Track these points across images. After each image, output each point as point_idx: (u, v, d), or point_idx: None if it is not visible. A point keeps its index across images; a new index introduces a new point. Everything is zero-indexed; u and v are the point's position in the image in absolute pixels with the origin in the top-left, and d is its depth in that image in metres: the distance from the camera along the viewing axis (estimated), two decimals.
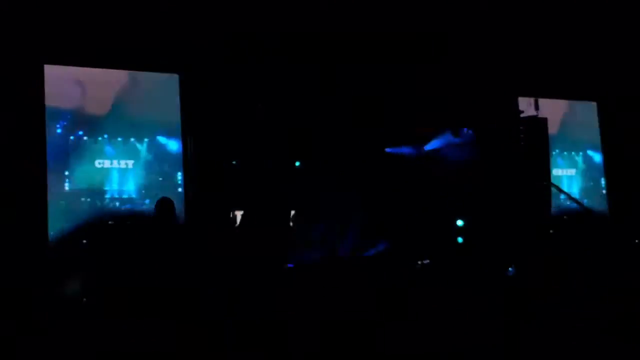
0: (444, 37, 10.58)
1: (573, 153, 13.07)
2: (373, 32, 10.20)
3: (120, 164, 9.91)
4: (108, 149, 9.84)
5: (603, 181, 13.24)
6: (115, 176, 9.85)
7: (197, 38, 9.62)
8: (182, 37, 9.50)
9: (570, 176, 12.97)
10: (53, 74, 9.29)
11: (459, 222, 10.89)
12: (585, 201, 12.76)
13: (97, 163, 9.75)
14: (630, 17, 10.75)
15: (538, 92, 11.92)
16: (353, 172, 11.17)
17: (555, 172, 12.57)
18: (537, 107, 11.78)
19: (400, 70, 10.86)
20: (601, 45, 11.42)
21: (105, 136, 9.81)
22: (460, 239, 11.01)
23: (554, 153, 12.54)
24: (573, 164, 13.04)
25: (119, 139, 9.93)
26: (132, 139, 10.00)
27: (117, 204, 9.76)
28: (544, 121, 10.81)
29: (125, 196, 9.86)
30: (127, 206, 9.81)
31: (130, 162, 9.97)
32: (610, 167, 13.12)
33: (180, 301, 8.81)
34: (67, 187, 9.48)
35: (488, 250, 10.50)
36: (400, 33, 10.40)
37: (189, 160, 10.15)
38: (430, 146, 11.15)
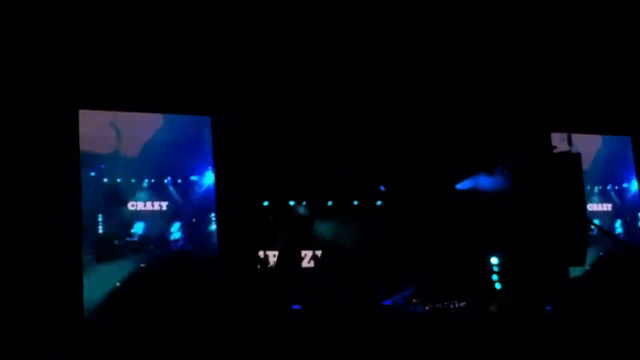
0: (477, 71, 10.59)
1: (608, 187, 12.91)
2: (406, 63, 10.22)
3: (153, 205, 9.93)
4: (141, 190, 9.88)
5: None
6: (148, 218, 9.88)
7: (229, 80, 9.68)
8: (214, 79, 9.56)
9: (605, 211, 12.81)
10: (88, 117, 9.35)
11: (494, 260, 10.77)
12: (621, 236, 12.57)
13: (130, 205, 9.79)
14: None
15: (571, 127, 11.81)
16: (379, 213, 11.16)
17: (590, 207, 12.40)
18: (570, 143, 11.65)
19: (431, 106, 10.84)
20: (634, 78, 11.34)
21: (139, 178, 9.86)
22: (495, 277, 10.88)
23: (588, 188, 12.38)
24: (608, 199, 12.88)
25: (152, 180, 9.97)
26: (165, 181, 10.05)
27: (151, 246, 9.78)
28: (577, 157, 10.65)
29: (158, 238, 9.88)
30: (161, 249, 9.83)
31: (164, 204, 10.00)
32: None
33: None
34: (100, 230, 9.52)
35: (524, 288, 10.37)
36: (431, 69, 10.41)
37: (222, 200, 10.15)
38: (462, 185, 11.07)
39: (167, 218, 10.04)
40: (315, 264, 10.84)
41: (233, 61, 9.44)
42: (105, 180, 9.66)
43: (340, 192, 11.00)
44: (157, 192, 10.01)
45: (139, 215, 9.78)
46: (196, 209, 10.26)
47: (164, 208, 10.01)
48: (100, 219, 9.50)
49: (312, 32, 9.26)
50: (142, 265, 9.63)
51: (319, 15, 9.03)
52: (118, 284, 9.39)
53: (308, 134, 10.33)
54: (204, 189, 10.25)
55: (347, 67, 9.90)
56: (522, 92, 10.93)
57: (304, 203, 10.83)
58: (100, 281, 9.24)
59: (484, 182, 10.76)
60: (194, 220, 10.22)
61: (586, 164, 12.15)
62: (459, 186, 11.09)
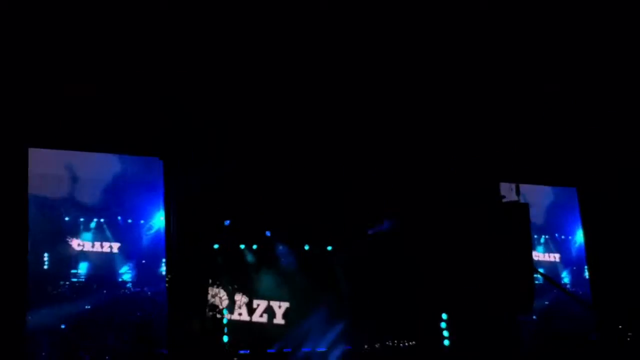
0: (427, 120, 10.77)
1: (556, 237, 13.10)
2: (363, 114, 10.37)
3: (102, 246, 9.87)
4: (89, 231, 9.83)
5: (585, 265, 13.25)
6: (96, 258, 9.82)
7: (181, 124, 9.69)
8: (166, 123, 9.56)
9: (553, 261, 13.00)
10: (41, 157, 9.27)
11: (443, 315, 10.83)
12: (568, 286, 12.75)
13: (77, 245, 9.71)
14: (608, 105, 11.01)
15: (519, 178, 12.01)
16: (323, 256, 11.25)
17: (537, 256, 12.59)
18: (518, 192, 11.84)
19: (378, 154, 10.97)
20: (581, 132, 11.61)
21: (88, 218, 9.81)
22: (443, 324, 10.93)
23: (535, 237, 12.58)
24: (556, 249, 13.07)
25: (102, 220, 9.93)
26: (115, 220, 10.01)
27: (94, 286, 9.69)
28: (525, 206, 10.83)
29: (106, 279, 9.81)
30: (107, 289, 9.75)
31: (116, 245, 9.95)
32: (592, 251, 13.11)
33: None
34: (46, 269, 9.41)
35: (474, 340, 10.45)
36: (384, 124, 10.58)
37: (172, 242, 10.09)
38: (373, 230, 11.17)
39: (116, 259, 9.97)
40: None
41: (186, 107, 9.47)
42: (53, 219, 9.57)
43: (292, 236, 11.01)
44: (107, 232, 9.96)
45: (85, 255, 9.71)
46: (147, 251, 10.21)
47: (115, 250, 9.94)
48: (46, 258, 9.40)
49: (263, 79, 9.37)
50: (87, 307, 9.49)
51: (270, 64, 9.17)
52: (63, 327, 9.24)
53: (260, 177, 10.37)
54: (154, 230, 10.22)
55: (293, 117, 10.03)
56: (472, 143, 11.12)
57: (255, 247, 10.81)
58: (44, 323, 9.08)
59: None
60: (143, 261, 10.16)
61: (540, 215, 12.40)
62: (371, 231, 11.18)
